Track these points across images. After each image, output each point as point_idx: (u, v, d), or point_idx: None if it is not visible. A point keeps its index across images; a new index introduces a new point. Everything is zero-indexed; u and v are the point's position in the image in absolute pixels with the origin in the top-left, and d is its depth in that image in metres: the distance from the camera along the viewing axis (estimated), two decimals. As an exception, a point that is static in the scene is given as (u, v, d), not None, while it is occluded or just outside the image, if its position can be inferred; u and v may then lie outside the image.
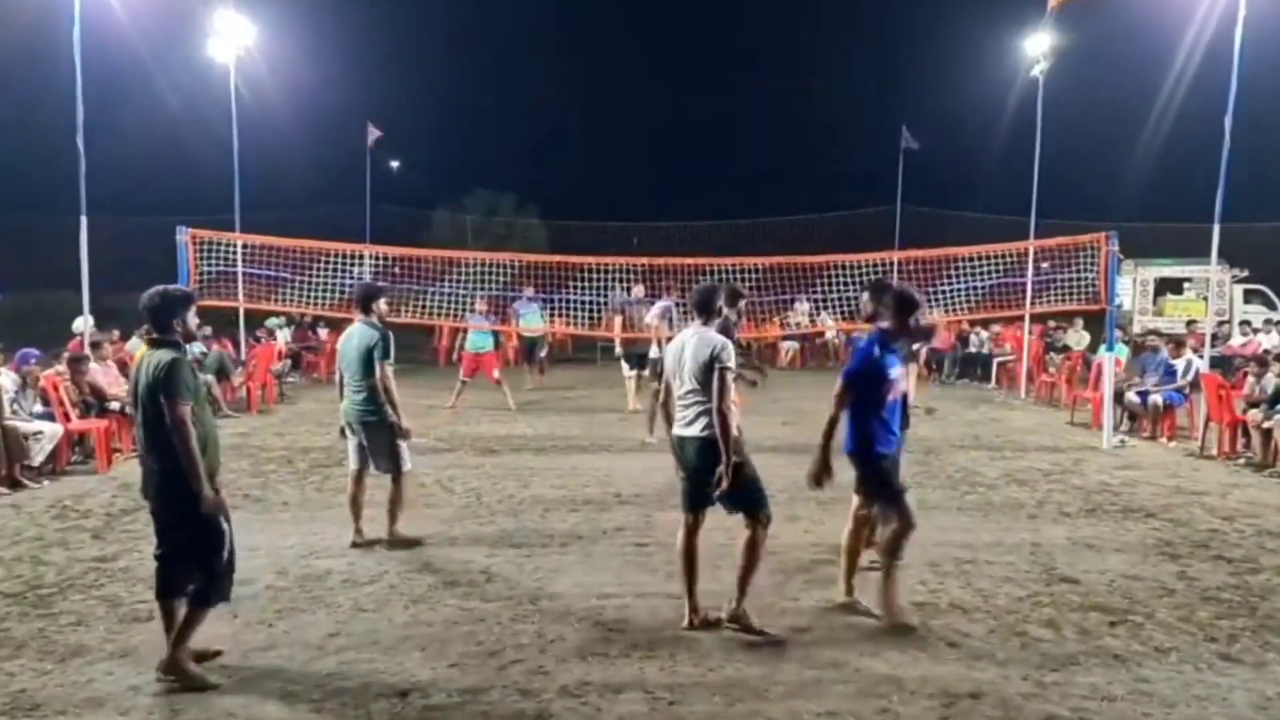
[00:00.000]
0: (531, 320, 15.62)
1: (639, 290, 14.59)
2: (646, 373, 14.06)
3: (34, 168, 25.87)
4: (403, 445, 6.55)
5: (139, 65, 22.52)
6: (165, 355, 4.32)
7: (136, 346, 11.64)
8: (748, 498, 4.97)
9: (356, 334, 6.53)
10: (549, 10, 46.78)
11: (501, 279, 14.91)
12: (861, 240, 23.90)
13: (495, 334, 14.29)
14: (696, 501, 5.06)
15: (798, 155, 42.44)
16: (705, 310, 5.15)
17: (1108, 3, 20.44)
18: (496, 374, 13.53)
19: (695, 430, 4.97)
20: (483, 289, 14.19)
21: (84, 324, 11.44)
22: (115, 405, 10.13)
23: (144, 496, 4.55)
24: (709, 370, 4.91)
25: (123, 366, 11.17)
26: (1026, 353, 16.18)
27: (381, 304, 6.69)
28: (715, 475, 4.85)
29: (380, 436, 6.48)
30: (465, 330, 14.11)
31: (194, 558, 4.40)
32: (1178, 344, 12.05)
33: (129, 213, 24.69)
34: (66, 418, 9.34)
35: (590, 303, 14.54)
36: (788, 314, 17.12)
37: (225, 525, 4.43)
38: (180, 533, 4.40)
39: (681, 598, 5.14)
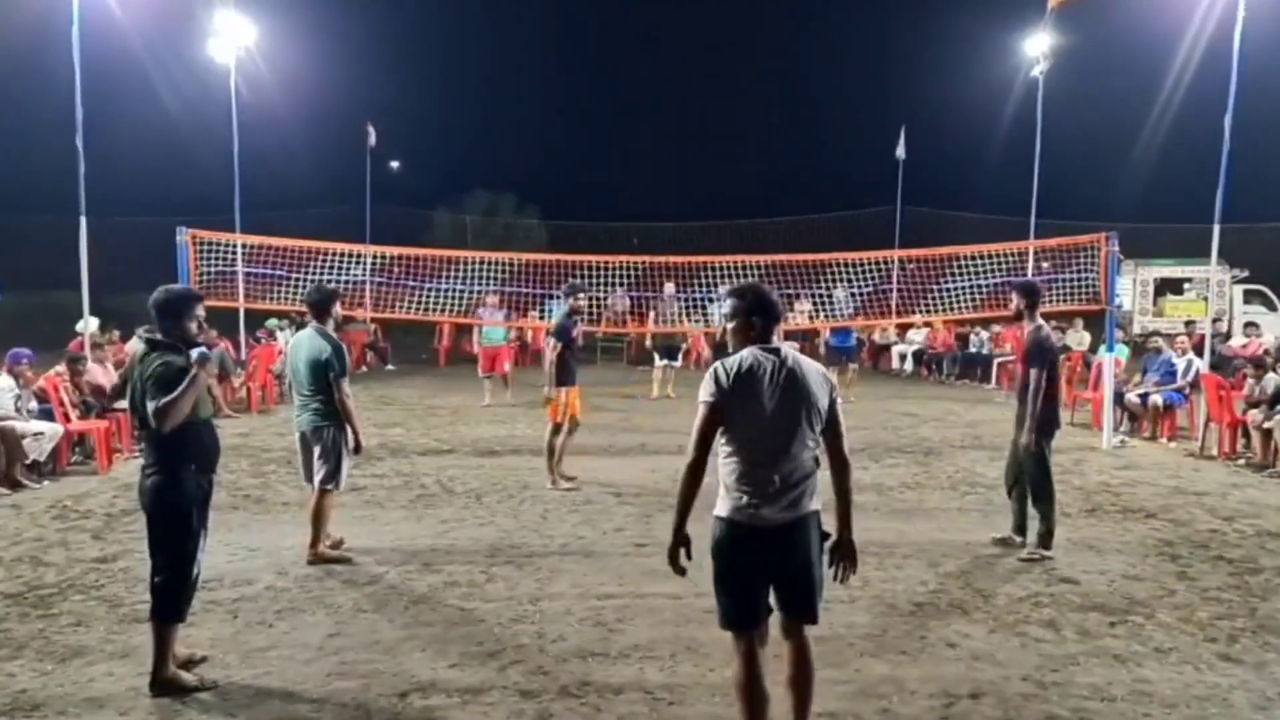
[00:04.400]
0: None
1: (670, 288, 15.09)
2: (678, 363, 14.81)
3: (34, 168, 25.83)
4: (345, 463, 6.22)
5: (139, 65, 22.56)
6: (164, 359, 4.20)
7: (136, 346, 11.67)
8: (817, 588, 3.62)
9: (306, 343, 6.21)
10: (549, 10, 46.81)
11: (502, 278, 14.94)
12: (862, 240, 23.88)
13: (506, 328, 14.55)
14: (762, 610, 3.58)
15: (798, 155, 42.49)
16: (776, 320, 3.72)
17: (1108, 3, 20.46)
18: (506, 366, 13.81)
19: (809, 505, 3.55)
20: (484, 287, 14.27)
21: (86, 325, 11.44)
22: (121, 405, 10.16)
23: (141, 504, 4.41)
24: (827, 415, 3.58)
25: (121, 367, 11.19)
26: (1026, 353, 16.16)
27: (337, 310, 6.41)
28: (826, 561, 3.61)
29: (325, 447, 6.14)
30: (474, 328, 14.29)
31: (159, 570, 4.27)
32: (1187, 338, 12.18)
33: (129, 213, 24.67)
34: (66, 418, 9.33)
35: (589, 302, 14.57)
36: (787, 313, 17.13)
37: (200, 543, 4.33)
38: (156, 542, 4.29)
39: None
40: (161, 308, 4.36)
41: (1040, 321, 6.61)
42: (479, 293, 14.14)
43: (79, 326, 11.79)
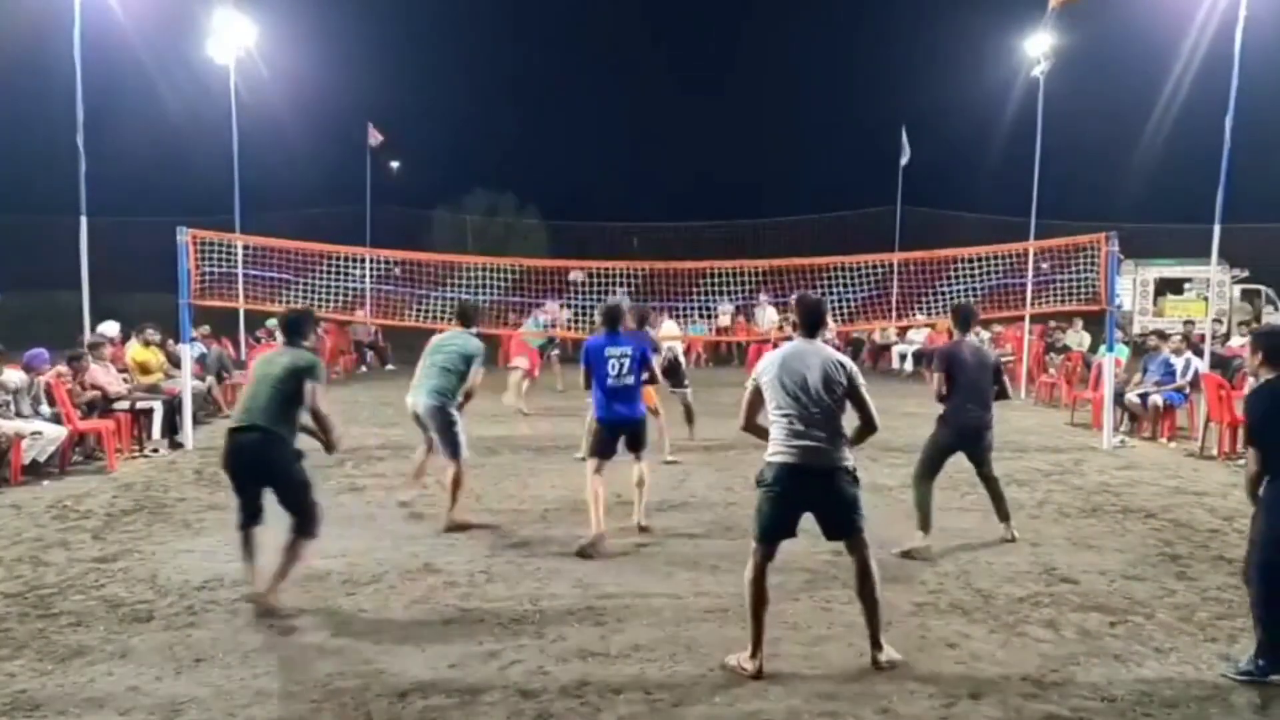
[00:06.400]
0: (532, 326, 15.90)
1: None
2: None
3: (34, 168, 25.86)
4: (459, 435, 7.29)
5: (139, 65, 22.54)
6: (307, 354, 5.56)
7: (134, 347, 11.68)
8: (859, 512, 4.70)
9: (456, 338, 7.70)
10: (549, 11, 46.81)
11: (502, 284, 14.96)
12: (862, 241, 23.88)
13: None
14: (788, 533, 4.64)
15: (797, 156, 42.44)
16: (818, 324, 4.88)
17: (1108, 3, 20.46)
18: (536, 371, 14.20)
19: (843, 459, 4.66)
20: (485, 295, 14.30)
21: (104, 327, 11.49)
22: (123, 405, 10.17)
23: (233, 467, 5.39)
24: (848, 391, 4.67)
25: (121, 368, 11.18)
26: (1027, 353, 16.18)
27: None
28: (857, 504, 4.67)
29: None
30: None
31: (287, 505, 5.29)
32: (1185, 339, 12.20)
33: (129, 213, 24.68)
34: (71, 419, 9.31)
35: (589, 306, 14.59)
36: (788, 315, 17.15)
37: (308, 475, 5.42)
38: (277, 484, 5.30)
39: (746, 640, 4.56)
40: (291, 323, 5.72)
41: (965, 336, 7.28)
42: (483, 301, 14.17)
43: (102, 329, 11.76)
